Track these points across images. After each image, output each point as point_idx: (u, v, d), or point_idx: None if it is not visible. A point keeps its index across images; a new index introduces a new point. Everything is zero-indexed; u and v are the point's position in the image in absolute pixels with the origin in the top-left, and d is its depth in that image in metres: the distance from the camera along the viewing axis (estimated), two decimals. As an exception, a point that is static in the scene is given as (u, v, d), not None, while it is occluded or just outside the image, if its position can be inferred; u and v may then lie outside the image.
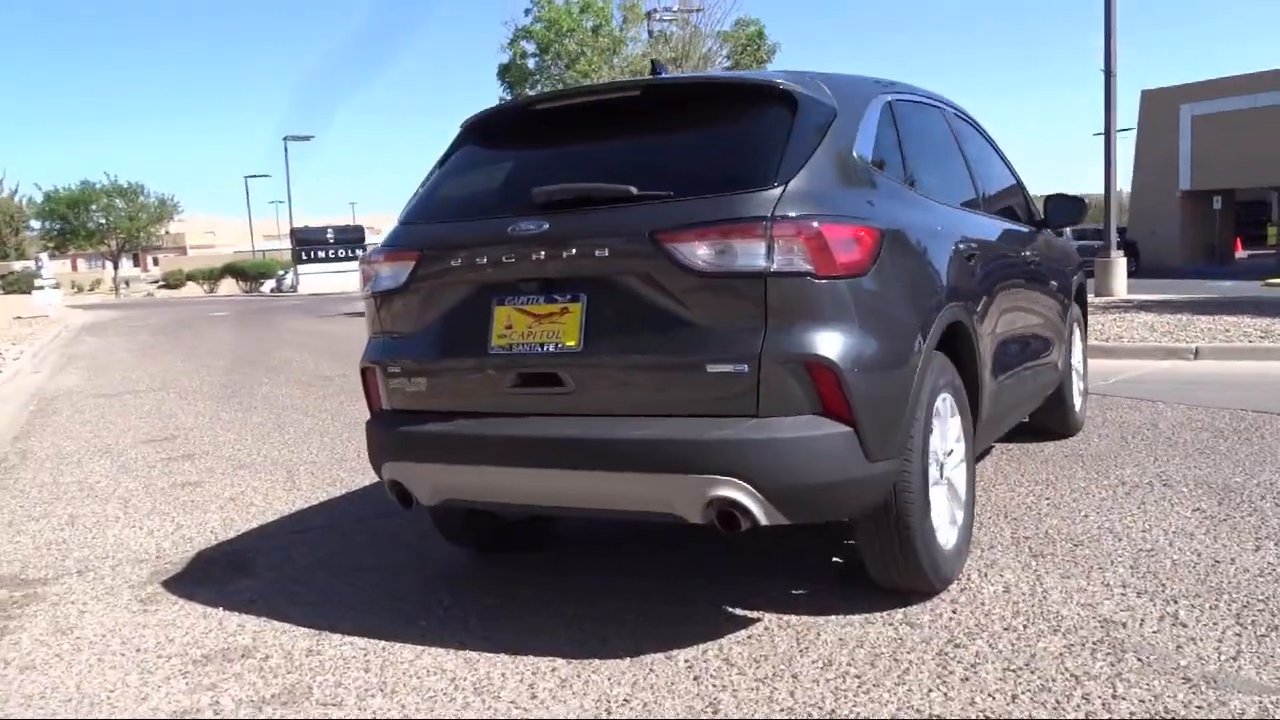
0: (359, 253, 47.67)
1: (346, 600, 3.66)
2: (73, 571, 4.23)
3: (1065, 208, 4.95)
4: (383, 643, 3.22)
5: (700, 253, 2.74)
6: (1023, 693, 2.56)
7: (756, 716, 2.54)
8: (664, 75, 3.44)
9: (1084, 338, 5.97)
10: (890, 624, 3.07)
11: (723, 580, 3.58)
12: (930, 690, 2.61)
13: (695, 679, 2.79)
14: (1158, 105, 39.87)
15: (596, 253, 2.86)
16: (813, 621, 3.13)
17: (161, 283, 66.30)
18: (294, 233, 47.94)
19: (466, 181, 3.47)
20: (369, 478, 5.64)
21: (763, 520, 2.74)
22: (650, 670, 2.87)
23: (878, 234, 2.88)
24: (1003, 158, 4.89)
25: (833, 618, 3.15)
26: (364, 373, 3.46)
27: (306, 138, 54.76)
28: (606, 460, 2.83)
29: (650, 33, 22.48)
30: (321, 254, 46.84)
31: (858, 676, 2.73)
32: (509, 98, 23.45)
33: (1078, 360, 5.75)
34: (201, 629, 3.47)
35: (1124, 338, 10.15)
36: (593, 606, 3.40)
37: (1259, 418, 5.96)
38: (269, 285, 53.54)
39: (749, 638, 3.05)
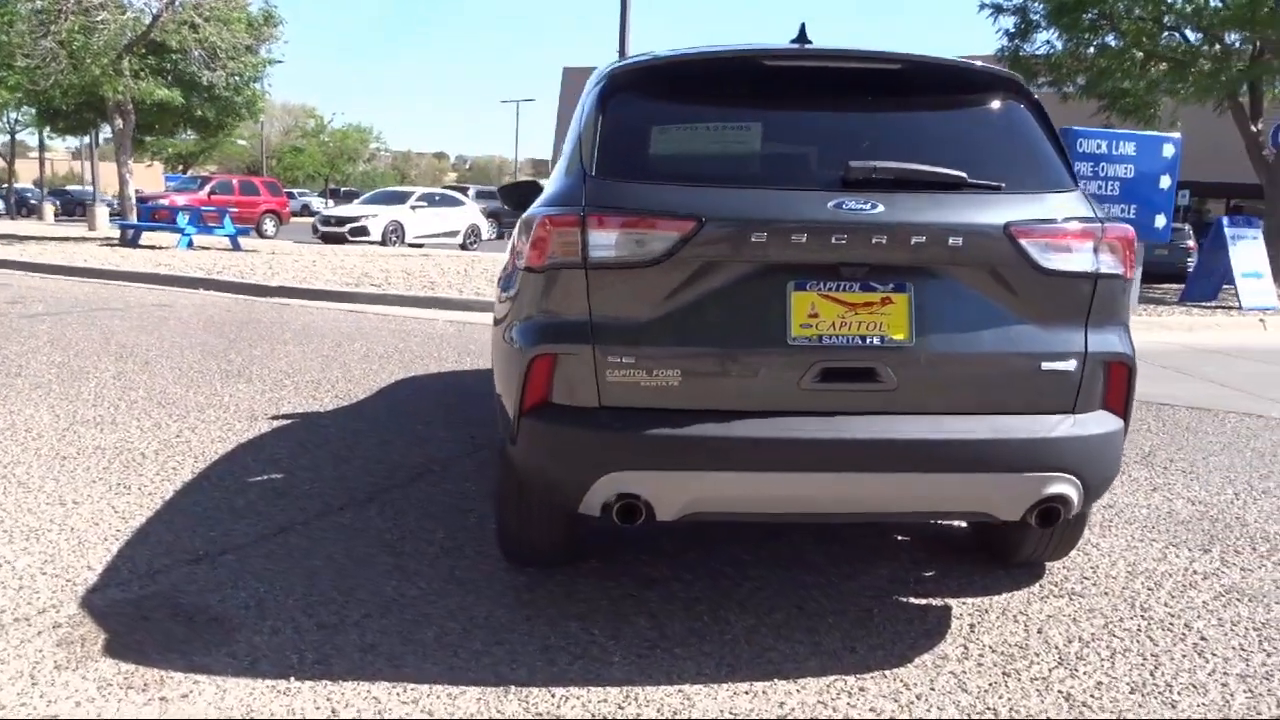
0: None
1: (465, 645, 2.91)
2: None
3: None
4: (636, 689, 2.69)
5: (1046, 250, 2.73)
6: None
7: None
8: (895, 53, 3.22)
9: None
10: (1063, 596, 3.35)
11: (824, 572, 3.53)
12: (1236, 657, 2.95)
13: (1004, 674, 2.81)
14: (576, 82, 44.17)
15: (950, 240, 2.68)
16: (1000, 602, 3.29)
17: None
18: None
19: (688, 140, 2.93)
20: (166, 480, 4.37)
21: (1072, 515, 2.84)
22: (952, 675, 2.81)
23: None
24: None
25: (1001, 596, 3.34)
26: (535, 360, 2.77)
27: None
28: (936, 462, 2.68)
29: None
30: None
31: (1173, 653, 2.97)
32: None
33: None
34: (321, 709, 2.55)
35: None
36: (769, 614, 3.17)
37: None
38: None
39: (974, 627, 3.11)
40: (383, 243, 24.64)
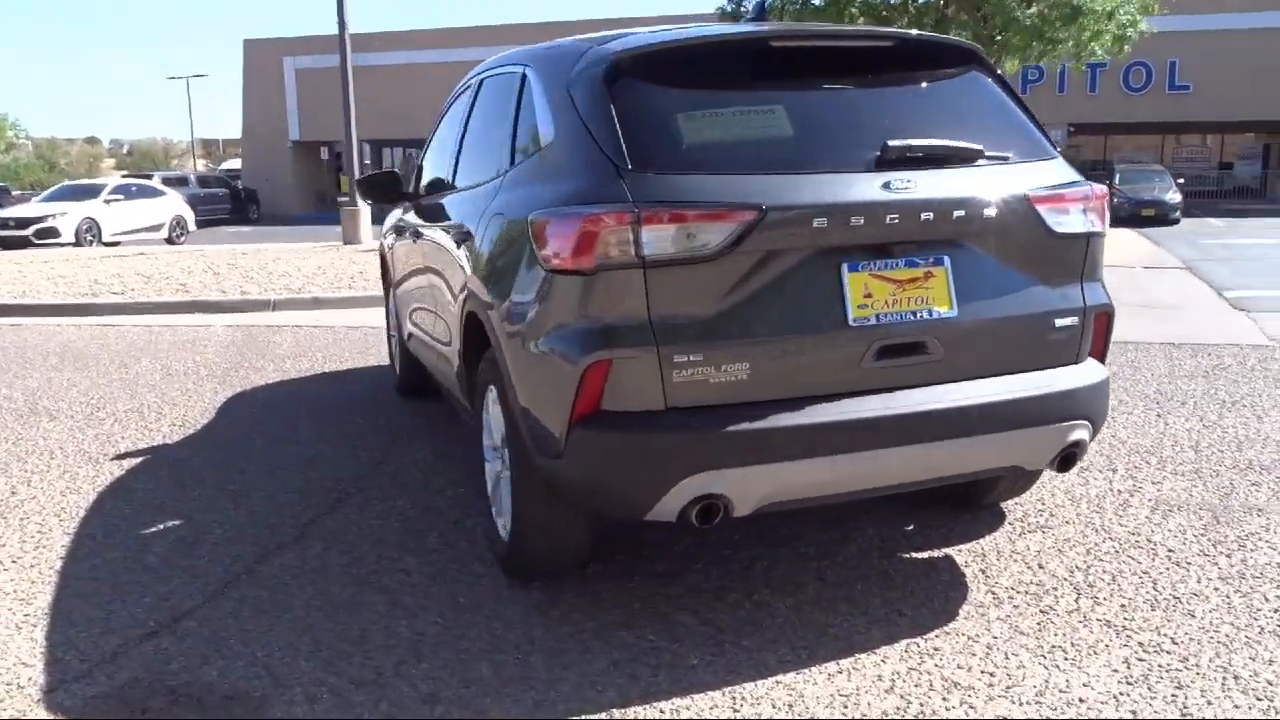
0: None
1: (531, 675, 2.74)
2: None
3: None
4: (734, 688, 2.64)
5: (1057, 214, 2.93)
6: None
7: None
8: (861, 28, 3.25)
9: None
10: (1035, 530, 3.63)
11: (815, 541, 3.62)
12: (1207, 563, 3.31)
13: (1042, 611, 3.02)
14: (260, 55, 41.13)
15: (985, 212, 2.79)
16: (989, 545, 3.51)
17: None
18: None
19: (718, 126, 2.82)
20: (40, 547, 3.78)
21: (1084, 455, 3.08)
22: (1001, 620, 2.99)
23: None
24: None
25: (985, 539, 3.57)
26: (590, 369, 2.63)
27: None
28: (990, 423, 2.81)
29: None
30: None
31: (1158, 568, 3.28)
32: None
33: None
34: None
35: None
36: (801, 590, 3.21)
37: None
38: None
39: (985, 572, 3.31)
40: (77, 243, 22.08)
